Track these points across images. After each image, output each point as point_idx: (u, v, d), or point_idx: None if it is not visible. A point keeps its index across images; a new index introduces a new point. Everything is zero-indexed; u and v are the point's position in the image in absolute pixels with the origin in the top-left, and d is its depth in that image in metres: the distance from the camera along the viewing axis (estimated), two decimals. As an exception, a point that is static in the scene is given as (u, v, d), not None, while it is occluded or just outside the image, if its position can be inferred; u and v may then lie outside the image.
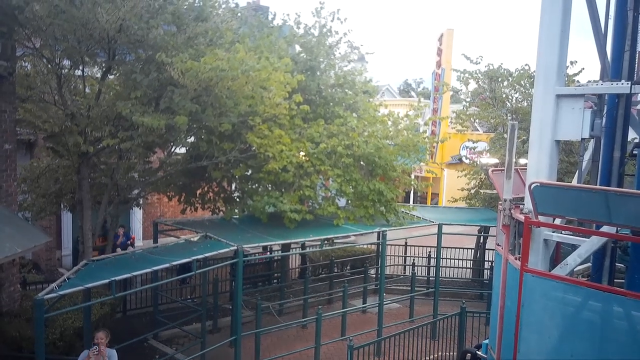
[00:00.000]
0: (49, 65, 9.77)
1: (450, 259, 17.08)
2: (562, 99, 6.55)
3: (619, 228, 5.93)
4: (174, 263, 8.63)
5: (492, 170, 8.27)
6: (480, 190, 16.32)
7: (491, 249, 15.23)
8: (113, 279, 7.44)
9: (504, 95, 15.99)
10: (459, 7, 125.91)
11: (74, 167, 10.92)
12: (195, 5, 10.19)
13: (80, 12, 8.33)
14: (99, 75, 10.91)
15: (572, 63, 14.94)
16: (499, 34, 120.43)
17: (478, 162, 16.98)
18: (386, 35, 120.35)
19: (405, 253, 17.83)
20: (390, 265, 17.10)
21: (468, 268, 17.41)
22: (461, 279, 17.10)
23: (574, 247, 6.50)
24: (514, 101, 15.96)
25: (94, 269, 8.38)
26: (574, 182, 7.32)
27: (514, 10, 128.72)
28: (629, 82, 6.18)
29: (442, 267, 14.86)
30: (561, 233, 6.65)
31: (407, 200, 28.37)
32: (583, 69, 15.44)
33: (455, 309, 12.52)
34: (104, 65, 10.14)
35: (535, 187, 6.06)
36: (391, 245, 16.26)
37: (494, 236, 8.56)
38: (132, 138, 9.33)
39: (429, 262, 17.01)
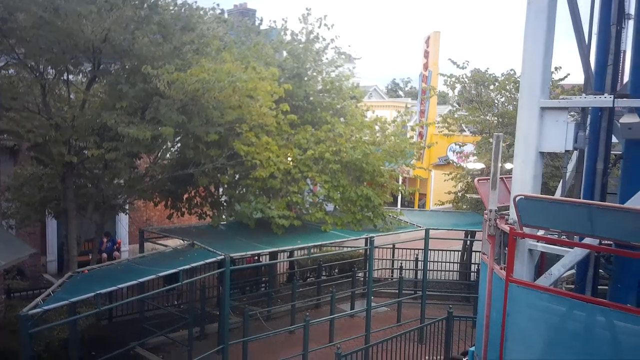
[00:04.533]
0: (34, 75, 9.65)
1: (438, 262, 17.18)
2: (546, 111, 6.62)
3: (601, 240, 6.02)
4: (161, 274, 8.58)
5: (478, 180, 8.34)
6: (467, 195, 16.43)
7: (478, 251, 15.35)
8: (98, 292, 7.38)
9: (490, 100, 16.12)
10: (446, 6, 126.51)
11: (59, 176, 10.82)
12: (182, 14, 10.14)
13: (65, 23, 8.25)
14: (83, 82, 10.81)
15: (556, 69, 15.08)
16: (485, 34, 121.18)
17: (465, 166, 17.08)
18: (373, 33, 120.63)
19: (393, 256, 17.89)
20: (378, 269, 17.16)
21: (455, 271, 17.53)
22: (448, 281, 17.23)
23: (559, 256, 6.60)
24: (500, 105, 16.09)
25: (79, 281, 8.31)
26: (558, 193, 7.42)
27: (500, 11, 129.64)
28: (612, 96, 6.27)
29: (429, 270, 14.94)
30: (545, 243, 6.74)
31: (394, 202, 28.44)
32: (568, 74, 15.59)
33: (442, 311, 12.61)
34: (88, 74, 10.04)
35: (520, 200, 6.12)
36: (379, 248, 16.32)
37: (481, 241, 8.64)
38: (118, 149, 9.26)
39: (416, 266, 17.09)
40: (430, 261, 14.99)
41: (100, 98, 10.51)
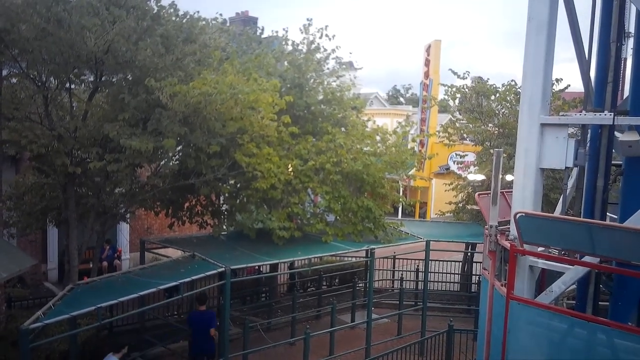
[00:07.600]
0: (36, 85, 9.68)
1: (438, 272, 17.14)
2: (546, 127, 6.63)
3: (602, 259, 6.01)
4: (161, 287, 8.57)
5: (479, 195, 8.34)
6: (467, 206, 16.40)
7: (479, 262, 15.31)
8: (99, 305, 7.37)
9: (490, 110, 16.10)
10: (449, 12, 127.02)
11: (60, 186, 10.83)
12: (184, 25, 10.17)
13: (67, 35, 8.29)
14: (85, 91, 10.82)
15: (557, 80, 15.10)
16: (487, 41, 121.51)
17: (465, 176, 17.05)
18: (375, 39, 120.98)
19: (394, 266, 17.85)
20: (378, 280, 17.13)
21: (456, 282, 17.49)
22: (449, 292, 17.18)
23: (559, 273, 6.59)
24: (501, 116, 16.07)
25: (80, 294, 8.30)
26: (559, 209, 7.41)
27: (502, 20, 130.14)
28: (612, 113, 6.27)
29: (430, 281, 14.91)
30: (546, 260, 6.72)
31: (395, 212, 28.36)
32: (569, 85, 15.59)
33: (443, 323, 12.56)
34: (91, 85, 10.07)
35: (521, 217, 6.13)
36: (379, 258, 16.30)
37: (481, 253, 8.63)
38: (119, 160, 9.27)
39: (417, 277, 17.06)
40: (431, 272, 14.96)
41: (103, 108, 10.53)
